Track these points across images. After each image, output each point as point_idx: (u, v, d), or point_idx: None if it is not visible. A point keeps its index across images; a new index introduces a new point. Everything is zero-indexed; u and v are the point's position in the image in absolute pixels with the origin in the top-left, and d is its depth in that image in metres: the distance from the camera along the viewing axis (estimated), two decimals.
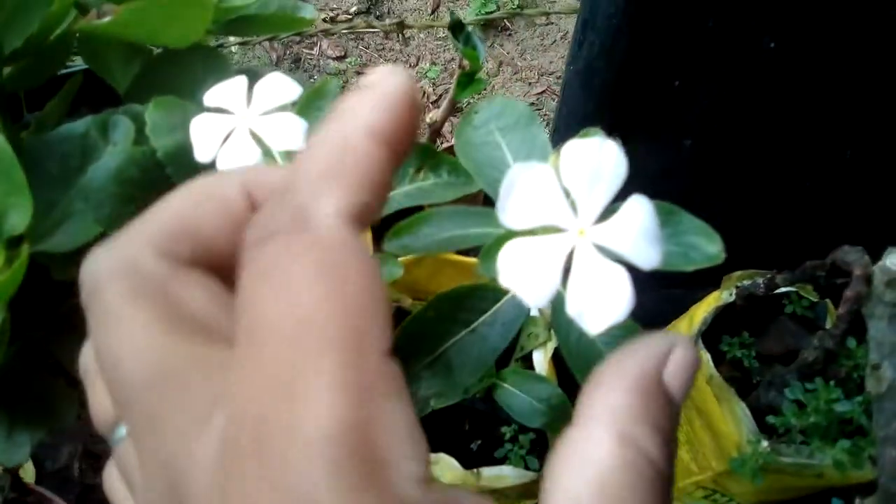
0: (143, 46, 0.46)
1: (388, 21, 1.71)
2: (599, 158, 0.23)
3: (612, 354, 0.19)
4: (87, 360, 0.20)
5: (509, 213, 0.22)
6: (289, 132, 0.34)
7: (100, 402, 0.20)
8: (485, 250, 0.29)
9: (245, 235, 0.17)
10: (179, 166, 0.39)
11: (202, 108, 0.35)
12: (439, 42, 1.76)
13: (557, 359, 0.53)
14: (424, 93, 1.66)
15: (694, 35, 0.54)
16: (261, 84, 0.36)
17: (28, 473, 0.64)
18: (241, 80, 0.36)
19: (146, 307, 0.18)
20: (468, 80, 0.44)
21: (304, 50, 1.74)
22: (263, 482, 0.15)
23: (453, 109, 0.47)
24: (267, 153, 0.34)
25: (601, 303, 0.22)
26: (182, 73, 0.46)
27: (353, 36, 1.71)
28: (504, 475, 0.49)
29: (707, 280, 0.63)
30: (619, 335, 0.29)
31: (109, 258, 0.19)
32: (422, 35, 1.71)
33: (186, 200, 0.20)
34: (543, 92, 1.76)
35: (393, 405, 0.16)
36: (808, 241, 0.56)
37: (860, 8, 0.55)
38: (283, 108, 0.35)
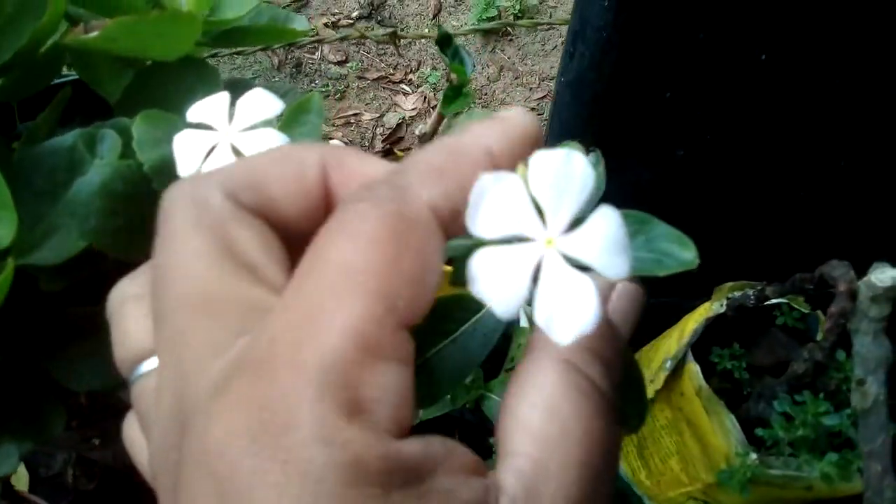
0: (133, 58, 0.47)
1: (386, 29, 1.71)
2: (567, 170, 0.23)
3: None
4: (122, 293, 0.23)
5: (478, 222, 0.23)
6: (269, 148, 0.34)
7: (129, 334, 0.22)
8: (456, 261, 0.29)
9: (346, 195, 0.19)
10: (165, 179, 0.39)
11: (188, 122, 0.35)
12: None
13: None
14: (426, 98, 1.67)
15: (685, 47, 0.54)
16: (243, 100, 0.36)
17: (21, 480, 0.64)
18: (224, 97, 0.36)
19: (205, 236, 0.19)
20: (455, 93, 0.45)
21: (306, 55, 1.74)
22: (252, 396, 0.16)
23: (440, 123, 0.47)
24: None
25: (569, 312, 0.22)
26: (172, 84, 0.46)
27: (354, 40, 1.72)
28: None
29: (700, 290, 0.63)
30: None
31: (185, 189, 0.20)
32: (423, 39, 1.72)
33: (267, 158, 0.21)
34: (544, 97, 1.76)
35: (390, 368, 0.17)
36: (800, 251, 0.56)
37: (851, 20, 0.55)
38: (266, 123, 0.35)
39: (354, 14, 1.81)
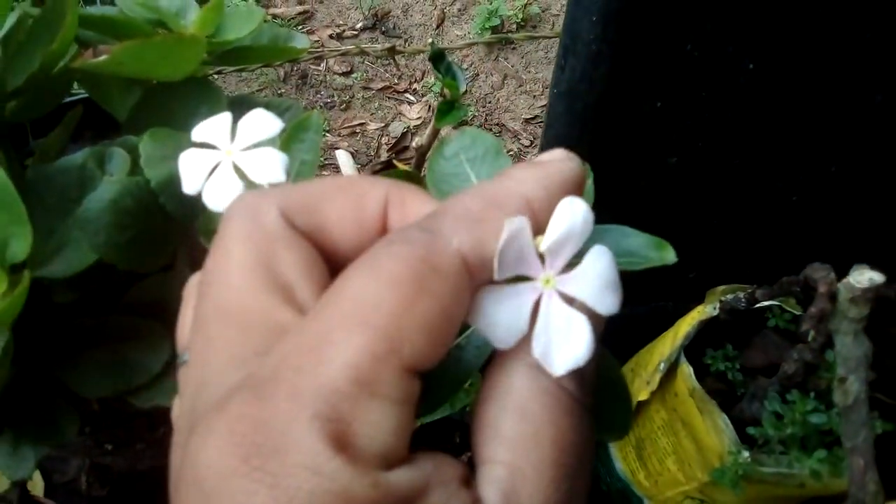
0: (141, 78, 0.49)
1: (390, 40, 1.74)
2: (569, 216, 0.25)
3: None
4: (191, 285, 0.23)
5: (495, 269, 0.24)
6: (270, 166, 0.36)
7: (183, 324, 0.23)
8: None
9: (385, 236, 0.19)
10: (172, 196, 0.41)
11: (193, 142, 0.37)
12: None
13: None
14: (430, 107, 1.69)
15: (673, 58, 0.56)
16: (244, 120, 0.38)
17: (36, 486, 0.66)
18: (226, 117, 0.38)
19: (251, 251, 0.20)
20: (448, 108, 0.46)
21: (311, 66, 1.77)
22: (249, 416, 0.16)
23: (436, 136, 0.49)
24: (250, 186, 0.36)
25: (564, 347, 0.24)
26: (178, 103, 0.48)
27: (358, 51, 1.74)
28: None
29: (694, 295, 0.64)
30: None
31: (246, 202, 0.21)
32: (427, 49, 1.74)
33: (331, 184, 0.22)
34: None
35: (385, 406, 0.17)
36: (792, 255, 0.57)
37: (836, 29, 0.56)
38: (267, 142, 0.37)
39: (359, 25, 1.83)
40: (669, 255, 0.32)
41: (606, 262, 0.24)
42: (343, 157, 1.54)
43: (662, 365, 0.57)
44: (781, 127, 0.63)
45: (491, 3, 1.88)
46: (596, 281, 0.24)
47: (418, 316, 0.17)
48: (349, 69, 1.76)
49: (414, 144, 0.49)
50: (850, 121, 0.63)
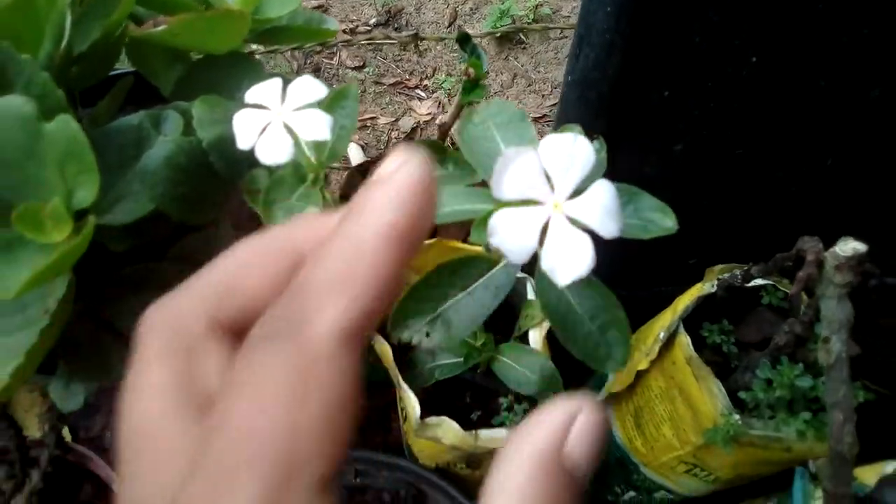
0: (184, 52, 0.53)
1: (404, 33, 1.78)
2: (573, 149, 0.29)
3: (520, 424, 0.20)
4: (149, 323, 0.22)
5: (501, 187, 0.29)
6: (317, 125, 0.40)
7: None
8: (478, 220, 0.35)
9: (252, 331, 0.18)
10: (221, 154, 0.45)
11: (240, 106, 0.41)
12: (455, 54, 1.82)
13: (552, 338, 0.58)
14: (440, 103, 1.72)
15: (681, 50, 0.60)
16: (293, 85, 0.42)
17: (66, 438, 0.70)
18: (277, 82, 0.42)
19: (168, 369, 0.19)
20: (472, 86, 0.50)
21: (324, 59, 1.80)
22: None
23: (460, 112, 0.53)
24: (297, 143, 0.40)
25: (569, 261, 0.28)
26: (219, 76, 0.52)
27: (371, 47, 1.78)
28: (499, 437, 0.54)
29: (695, 279, 0.68)
30: (588, 294, 0.35)
31: (162, 312, 0.20)
32: (438, 47, 1.78)
33: (235, 261, 0.21)
34: (556, 104, 1.81)
35: None
36: (789, 239, 0.61)
37: (834, 27, 0.60)
38: (313, 105, 0.41)
39: (372, 21, 1.87)
40: (670, 222, 0.37)
41: (609, 192, 0.29)
42: (353, 151, 1.57)
43: (662, 334, 0.60)
44: (782, 119, 0.67)
45: (503, 3, 1.92)
46: (599, 207, 0.28)
47: (308, 430, 0.16)
48: (361, 64, 1.80)
49: (437, 121, 0.53)
50: (847, 115, 0.67)
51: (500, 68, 1.86)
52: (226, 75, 0.52)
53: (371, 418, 0.86)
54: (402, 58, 1.78)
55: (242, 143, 0.40)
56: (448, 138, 0.60)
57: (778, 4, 0.58)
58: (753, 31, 0.60)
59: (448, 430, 0.53)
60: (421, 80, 1.80)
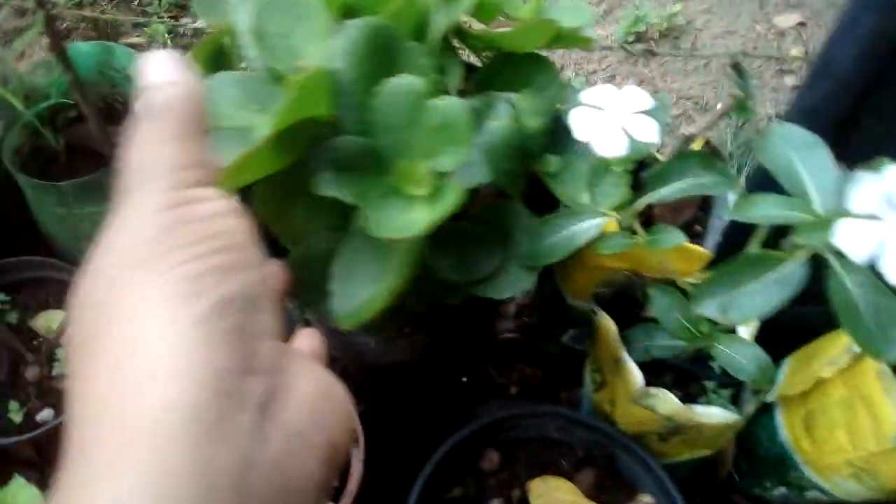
0: (496, 48, 0.61)
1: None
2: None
3: None
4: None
5: (850, 203, 0.37)
6: (649, 130, 0.48)
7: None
8: (802, 226, 0.42)
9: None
10: (541, 141, 0.54)
11: (582, 102, 0.49)
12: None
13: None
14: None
15: None
16: (623, 91, 0.50)
17: None
18: (610, 88, 0.50)
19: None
20: (740, 105, 0.58)
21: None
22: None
23: (717, 120, 0.60)
24: (632, 142, 0.48)
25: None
26: (517, 71, 0.60)
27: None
28: (713, 413, 0.62)
29: None
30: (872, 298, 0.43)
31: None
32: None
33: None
34: (680, 115, 1.85)
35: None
36: None
37: None
38: (643, 113, 0.49)
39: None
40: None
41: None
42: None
43: (855, 348, 0.67)
44: None
45: (638, 9, 1.96)
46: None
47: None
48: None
49: (695, 129, 0.60)
50: None
51: (627, 73, 1.89)
52: (522, 71, 0.60)
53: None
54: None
55: (580, 135, 0.49)
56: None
57: None
58: None
59: (667, 401, 0.61)
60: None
